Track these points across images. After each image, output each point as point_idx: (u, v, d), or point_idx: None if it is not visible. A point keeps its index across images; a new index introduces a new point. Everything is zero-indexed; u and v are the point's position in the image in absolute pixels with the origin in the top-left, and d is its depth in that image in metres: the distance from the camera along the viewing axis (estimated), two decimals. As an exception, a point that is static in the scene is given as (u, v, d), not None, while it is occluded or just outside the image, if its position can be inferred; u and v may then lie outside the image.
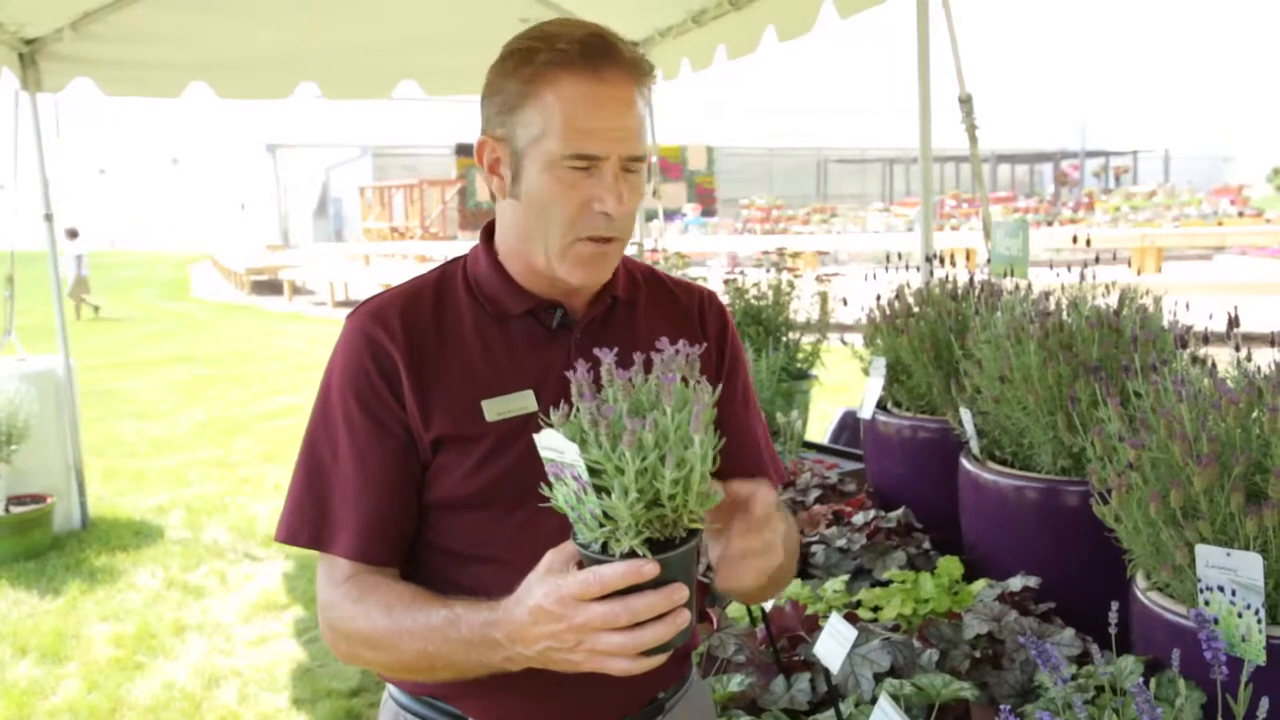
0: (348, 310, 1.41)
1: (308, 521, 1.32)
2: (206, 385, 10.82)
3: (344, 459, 1.31)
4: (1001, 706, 1.17)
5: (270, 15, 5.08)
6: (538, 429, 1.20)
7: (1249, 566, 1.44)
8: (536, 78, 1.25)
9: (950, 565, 2.24)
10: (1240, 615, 1.46)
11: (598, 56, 1.25)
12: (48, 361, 5.60)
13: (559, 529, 1.23)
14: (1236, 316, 1.73)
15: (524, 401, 1.33)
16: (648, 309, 1.46)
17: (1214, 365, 1.73)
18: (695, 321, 1.49)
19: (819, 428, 4.22)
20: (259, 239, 30.34)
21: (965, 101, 3.56)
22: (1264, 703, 1.13)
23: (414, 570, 1.36)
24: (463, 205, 28.68)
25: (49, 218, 5.34)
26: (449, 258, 1.46)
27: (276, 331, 15.15)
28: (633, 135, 1.28)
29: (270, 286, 21.20)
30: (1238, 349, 1.69)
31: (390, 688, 1.46)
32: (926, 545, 2.41)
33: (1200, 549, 1.49)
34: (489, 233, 1.42)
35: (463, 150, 29.33)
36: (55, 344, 5.54)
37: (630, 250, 5.29)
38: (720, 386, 1.34)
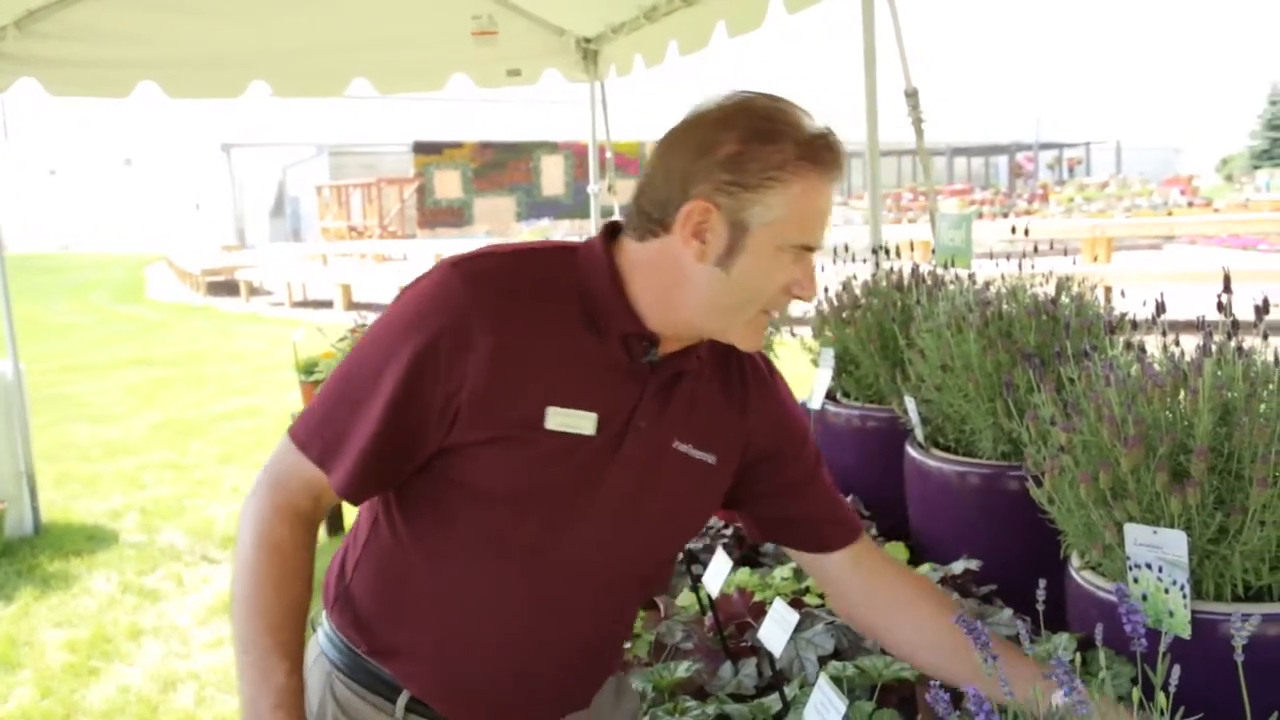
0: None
1: (323, 439, 1.36)
2: (162, 387, 10.70)
3: (378, 404, 1.32)
4: (931, 683, 1.21)
5: (219, 13, 5.05)
6: (588, 452, 1.36)
7: (1174, 544, 1.48)
8: (789, 167, 1.30)
9: (896, 551, 2.28)
10: (1167, 591, 1.51)
11: (834, 156, 1.33)
12: (-3, 365, 5.53)
13: (571, 546, 1.39)
14: (1162, 303, 1.78)
15: (585, 423, 1.35)
16: (710, 380, 1.49)
17: (1143, 350, 1.78)
18: (761, 390, 1.54)
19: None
20: (215, 240, 29.99)
21: (911, 95, 3.62)
22: (1176, 670, 1.18)
23: (415, 536, 1.41)
24: (421, 203, 28.57)
25: (-5, 220, 5.27)
26: (561, 240, 1.47)
27: (233, 332, 15.00)
28: None
29: (227, 287, 20.98)
30: (1164, 334, 1.74)
31: (324, 643, 1.48)
32: (874, 531, 2.45)
33: (1128, 528, 1.54)
34: (606, 241, 1.41)
35: (420, 148, 29.19)
36: (4, 348, 5.47)
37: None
38: (800, 458, 1.57)
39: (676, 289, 1.35)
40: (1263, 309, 1.65)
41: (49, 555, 5.37)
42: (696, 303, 1.35)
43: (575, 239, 1.50)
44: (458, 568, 1.39)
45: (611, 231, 1.42)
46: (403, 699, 1.42)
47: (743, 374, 1.52)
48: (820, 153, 1.32)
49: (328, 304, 17.10)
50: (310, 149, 32.60)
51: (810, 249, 1.35)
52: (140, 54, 5.23)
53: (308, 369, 5.18)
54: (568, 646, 1.46)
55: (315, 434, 1.37)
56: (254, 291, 20.19)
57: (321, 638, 1.49)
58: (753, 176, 1.29)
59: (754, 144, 1.30)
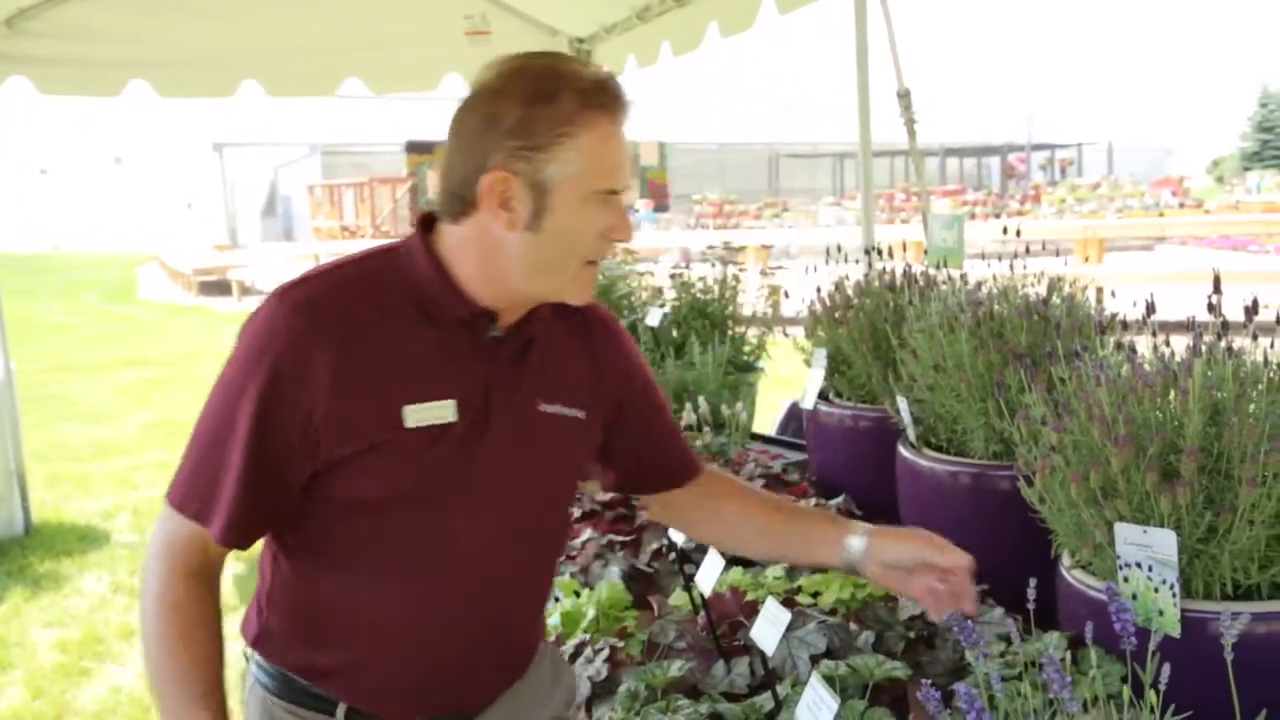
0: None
1: (197, 495, 1.37)
2: (154, 387, 10.68)
3: (237, 448, 1.34)
4: (922, 681, 1.21)
5: (211, 12, 5.04)
6: (455, 438, 1.38)
7: (1164, 543, 1.49)
8: (575, 119, 1.33)
9: (888, 550, 2.28)
10: (1157, 590, 1.52)
11: (618, 100, 1.37)
12: (-13, 365, 5.51)
13: (465, 532, 1.42)
14: (1152, 304, 1.79)
15: (444, 411, 1.38)
16: (558, 328, 1.52)
17: (1133, 350, 1.79)
18: (610, 341, 1.60)
19: (768, 420, 4.28)
20: (206, 239, 29.90)
21: (904, 96, 3.63)
22: (1166, 669, 1.18)
23: (315, 562, 1.44)
24: (414, 203, 28.48)
25: (-14, 219, 5.25)
26: (374, 248, 1.48)
27: (226, 333, 14.93)
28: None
29: (219, 287, 20.93)
30: (1154, 335, 1.75)
31: (256, 665, 1.52)
32: (866, 531, 2.46)
33: (1119, 527, 1.55)
34: (424, 233, 1.44)
35: (413, 148, 29.11)
36: (-5, 347, 5.45)
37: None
38: (648, 406, 1.65)
39: (497, 261, 1.38)
40: (1252, 310, 1.66)
41: (40, 555, 5.35)
42: (519, 270, 1.38)
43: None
44: (364, 583, 1.42)
45: (428, 222, 1.44)
46: (341, 710, 1.45)
47: (588, 327, 1.57)
48: (604, 99, 1.35)
49: (320, 304, 17.04)
50: (303, 148, 32.52)
51: (615, 192, 1.38)
52: (132, 53, 5.21)
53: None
54: (491, 623, 1.49)
55: (188, 492, 1.38)
56: (246, 291, 20.14)
57: (253, 667, 1.52)
58: (542, 137, 1.32)
59: (537, 105, 1.32)
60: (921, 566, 1.49)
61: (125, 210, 37.38)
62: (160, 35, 5.15)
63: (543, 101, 1.32)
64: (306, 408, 1.32)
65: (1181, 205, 20.55)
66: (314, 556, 1.43)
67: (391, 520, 1.39)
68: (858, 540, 1.54)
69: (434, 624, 1.44)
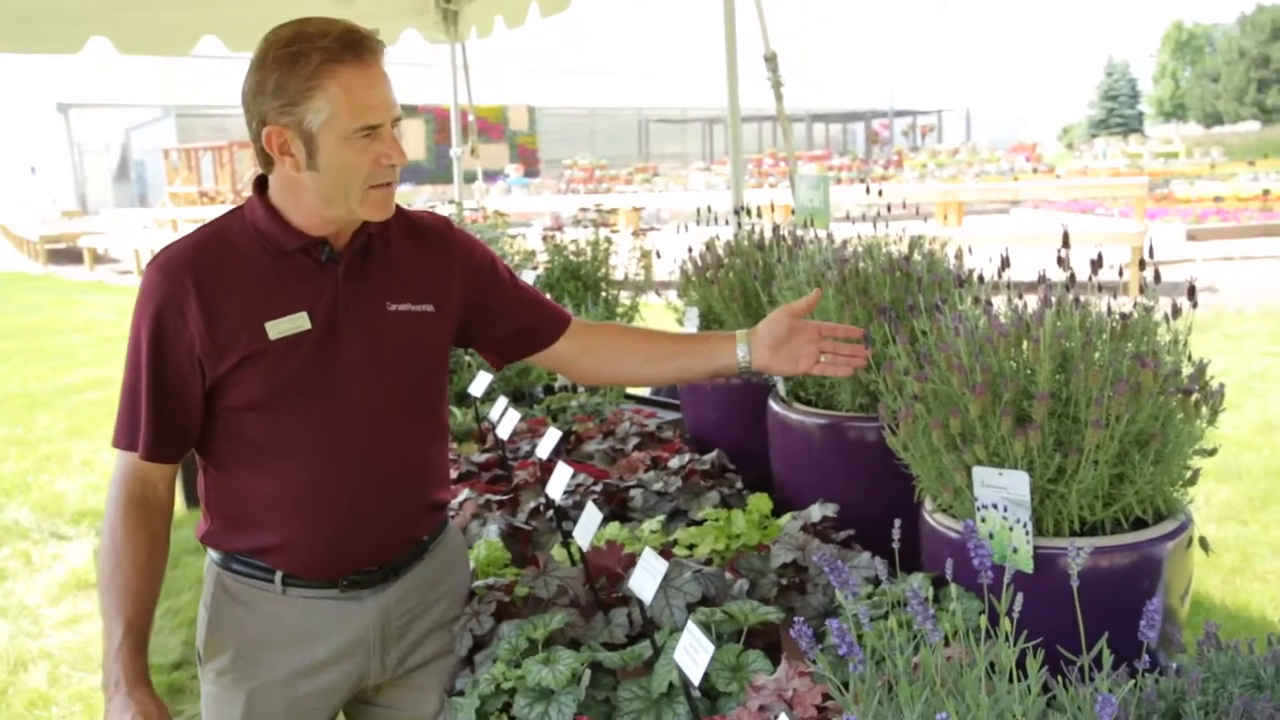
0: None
1: (125, 431, 1.73)
2: (1, 361, 10.14)
3: (144, 385, 1.69)
4: (796, 619, 1.26)
5: (54, -38, 4.76)
6: (313, 341, 1.71)
7: (1017, 484, 1.58)
8: (318, 74, 1.60)
9: (760, 502, 2.34)
10: (1011, 529, 1.60)
11: (358, 48, 1.62)
12: None
13: (341, 416, 1.73)
14: (1007, 259, 1.88)
15: (300, 321, 1.71)
16: (401, 240, 1.84)
17: (989, 304, 1.87)
18: (446, 243, 1.90)
19: (641, 381, 4.32)
20: (53, 205, 28.40)
21: (770, 59, 3.68)
22: (1020, 601, 1.26)
23: (231, 464, 1.76)
24: (276, 167, 27.58)
25: None
26: (225, 212, 1.81)
27: (77, 302, 14.29)
28: (395, 102, 1.69)
29: (69, 255, 19.96)
30: (1008, 288, 1.84)
31: (210, 552, 1.85)
32: (739, 485, 2.52)
33: (976, 470, 1.63)
34: (260, 189, 1.75)
35: (274, 110, 28.14)
36: None
37: (448, 210, 5.23)
38: (498, 282, 1.96)
39: (302, 196, 1.70)
40: (1097, 264, 1.76)
41: (-121, 539, 5.07)
42: (316, 201, 1.69)
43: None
44: (271, 468, 1.74)
45: (262, 179, 1.75)
46: (277, 576, 1.79)
47: (425, 235, 1.88)
48: (344, 52, 1.61)
49: (179, 272, 16.37)
50: (155, 110, 31.11)
51: (373, 127, 1.64)
52: (-34, 5, 4.89)
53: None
54: (384, 490, 1.79)
55: (121, 430, 1.74)
56: (99, 259, 19.26)
57: (209, 554, 1.86)
58: (295, 94, 1.61)
59: (285, 68, 1.61)
60: (804, 344, 1.92)
61: (-39, 175, 35.15)
62: (-3, -14, 4.83)
63: (290, 63, 1.60)
64: (188, 340, 1.67)
65: (1035, 170, 21.39)
66: (228, 456, 1.76)
67: (279, 414, 1.71)
68: (743, 340, 1.96)
69: (335, 494, 1.75)
